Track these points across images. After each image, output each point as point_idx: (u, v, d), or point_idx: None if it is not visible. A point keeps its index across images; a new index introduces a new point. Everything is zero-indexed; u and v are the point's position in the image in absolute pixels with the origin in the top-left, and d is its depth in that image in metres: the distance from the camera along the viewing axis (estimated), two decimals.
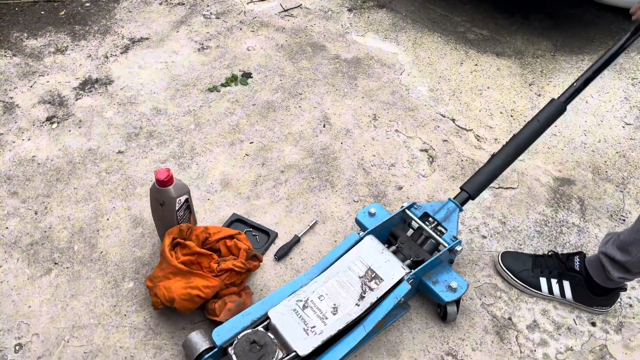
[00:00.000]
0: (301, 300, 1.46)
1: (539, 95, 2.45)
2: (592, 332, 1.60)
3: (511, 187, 2.02)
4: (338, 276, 1.52)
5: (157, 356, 1.49)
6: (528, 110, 2.37)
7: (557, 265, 1.64)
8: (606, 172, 2.11)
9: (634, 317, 1.65)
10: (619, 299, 1.66)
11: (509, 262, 1.71)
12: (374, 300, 1.46)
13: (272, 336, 1.39)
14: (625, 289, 1.61)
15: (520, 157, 2.10)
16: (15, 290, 1.62)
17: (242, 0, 2.96)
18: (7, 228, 1.78)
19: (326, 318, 1.43)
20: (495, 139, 2.21)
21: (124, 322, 1.56)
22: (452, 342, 1.56)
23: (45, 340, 1.51)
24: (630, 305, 1.68)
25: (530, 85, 2.50)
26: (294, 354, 1.35)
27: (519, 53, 2.69)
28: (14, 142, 2.07)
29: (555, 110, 1.63)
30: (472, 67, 2.59)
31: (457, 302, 1.57)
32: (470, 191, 1.63)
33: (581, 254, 1.64)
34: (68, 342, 1.51)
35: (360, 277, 1.51)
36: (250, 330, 1.39)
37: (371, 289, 1.48)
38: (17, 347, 1.49)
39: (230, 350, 1.34)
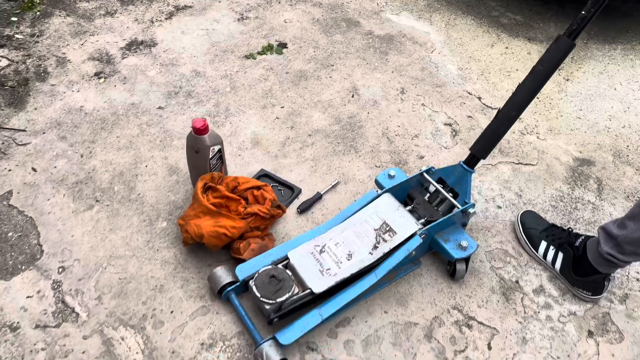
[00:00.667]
0: (319, 245, 1.57)
1: (567, 79, 2.49)
2: (597, 300, 1.66)
3: (530, 164, 2.08)
4: (355, 227, 1.62)
5: (184, 287, 1.62)
6: (555, 93, 2.41)
7: (563, 237, 1.70)
8: (627, 155, 2.14)
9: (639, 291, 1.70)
10: (620, 281, 1.71)
11: (527, 218, 1.79)
12: (386, 250, 1.56)
13: (290, 273, 1.50)
14: (609, 279, 1.62)
15: (542, 137, 2.17)
16: (61, 221, 1.78)
17: None
18: (55, 167, 1.94)
19: (341, 262, 1.53)
20: (520, 119, 2.26)
21: (156, 255, 1.70)
22: (459, 298, 1.65)
23: (85, 265, 1.66)
24: (638, 280, 1.73)
25: (559, 70, 2.54)
26: (308, 290, 1.47)
27: (551, 39, 2.72)
28: (64, 93, 2.24)
29: (561, 49, 1.45)
30: (503, 49, 2.64)
31: (466, 261, 1.65)
32: (478, 152, 1.64)
33: (589, 237, 1.67)
34: (105, 268, 1.66)
35: (375, 230, 1.61)
36: (270, 267, 1.51)
37: (385, 240, 1.58)
38: (60, 270, 1.65)
39: (251, 283, 1.46)
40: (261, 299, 1.43)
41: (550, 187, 2.00)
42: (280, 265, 1.54)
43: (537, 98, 2.38)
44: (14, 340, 1.48)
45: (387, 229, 1.61)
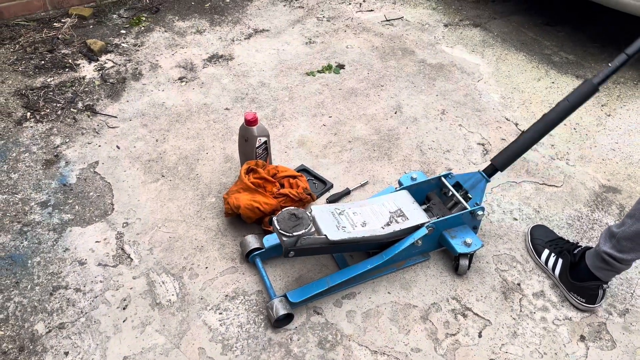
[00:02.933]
0: (339, 209, 1.77)
1: (609, 115, 2.56)
2: (596, 311, 1.73)
3: (554, 185, 2.19)
4: (372, 206, 1.82)
5: (220, 250, 1.91)
6: (593, 126, 2.49)
7: (565, 246, 1.80)
8: None
9: None
10: (623, 293, 1.77)
11: (537, 230, 1.92)
12: (397, 229, 1.74)
13: (309, 214, 1.67)
14: (603, 287, 1.68)
15: (572, 163, 2.27)
16: (131, 188, 2.14)
17: (352, 9, 3.41)
18: (134, 147, 2.34)
19: (355, 226, 1.72)
20: (552, 145, 2.38)
21: (202, 223, 2.00)
22: (460, 291, 1.79)
23: (144, 224, 2.00)
24: None
25: (602, 106, 2.62)
26: (324, 236, 1.65)
27: None
28: (152, 91, 2.68)
29: (587, 90, 1.68)
30: (549, 84, 2.77)
31: (470, 257, 1.80)
32: (497, 164, 1.83)
33: (588, 247, 1.76)
34: (160, 228, 1.98)
35: (390, 212, 1.80)
36: (292, 207, 1.71)
37: (397, 222, 1.77)
38: (124, 224, 2.00)
39: (274, 218, 1.65)
40: (280, 231, 1.61)
41: (570, 208, 2.09)
42: None
43: (574, 129, 2.47)
44: (80, 272, 1.83)
45: (401, 214, 1.80)
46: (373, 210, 1.80)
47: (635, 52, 1.64)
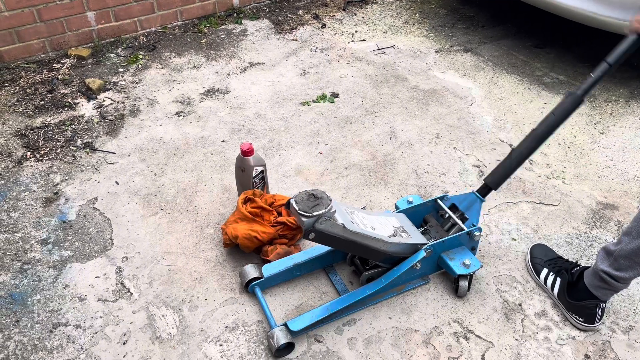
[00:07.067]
0: (349, 209, 1.74)
1: (602, 133, 2.59)
2: (599, 329, 1.72)
3: (552, 204, 2.19)
4: (378, 219, 1.79)
5: (219, 281, 1.90)
6: (587, 144, 2.52)
7: (564, 265, 1.80)
8: None
9: None
10: (625, 312, 1.76)
11: (536, 249, 1.92)
12: (402, 241, 1.72)
13: (328, 195, 1.61)
14: (601, 306, 1.67)
15: (568, 182, 2.29)
16: (131, 222, 2.16)
17: (345, 40, 3.49)
18: (133, 181, 2.36)
19: (366, 227, 1.69)
20: (547, 164, 2.40)
21: (201, 255, 2.01)
22: (461, 313, 1.78)
23: (144, 257, 2.00)
24: None
25: (595, 124, 2.65)
26: (341, 224, 1.60)
27: (591, 97, 2.85)
28: (150, 126, 2.72)
29: (572, 103, 1.68)
30: (541, 104, 2.80)
31: (469, 279, 1.79)
32: (491, 183, 1.83)
33: (586, 267, 1.75)
34: (159, 261, 1.99)
35: (394, 226, 1.80)
36: (310, 188, 1.66)
37: (401, 236, 1.76)
38: (123, 259, 2.00)
39: (292, 200, 1.59)
40: (299, 211, 1.55)
41: (568, 226, 2.09)
42: None
43: (568, 147, 2.50)
44: (80, 308, 1.83)
45: (403, 230, 1.80)
46: (379, 220, 1.79)
47: (616, 60, 1.62)
